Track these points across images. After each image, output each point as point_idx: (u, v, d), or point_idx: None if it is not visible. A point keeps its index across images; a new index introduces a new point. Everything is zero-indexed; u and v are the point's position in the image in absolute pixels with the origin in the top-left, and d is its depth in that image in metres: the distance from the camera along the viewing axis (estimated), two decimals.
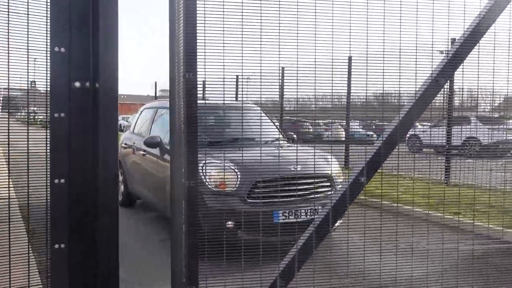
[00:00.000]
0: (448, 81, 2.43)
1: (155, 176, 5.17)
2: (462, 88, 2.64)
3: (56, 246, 1.85)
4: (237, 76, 2.32)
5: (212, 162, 4.22)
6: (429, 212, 2.86)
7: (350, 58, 2.28)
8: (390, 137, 2.20)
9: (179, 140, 1.91)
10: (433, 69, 2.23)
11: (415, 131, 17.20)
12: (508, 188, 2.44)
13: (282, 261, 2.11)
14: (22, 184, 1.83)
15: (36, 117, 2.07)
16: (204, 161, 4.24)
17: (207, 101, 2.40)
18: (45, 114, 1.90)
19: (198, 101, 1.94)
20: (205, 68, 1.88)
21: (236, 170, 4.07)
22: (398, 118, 2.20)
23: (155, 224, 5.48)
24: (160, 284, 3.57)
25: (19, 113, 2.12)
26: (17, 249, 1.87)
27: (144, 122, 6.18)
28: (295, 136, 5.93)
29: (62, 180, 1.83)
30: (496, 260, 2.66)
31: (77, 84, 1.84)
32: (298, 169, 4.26)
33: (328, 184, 4.42)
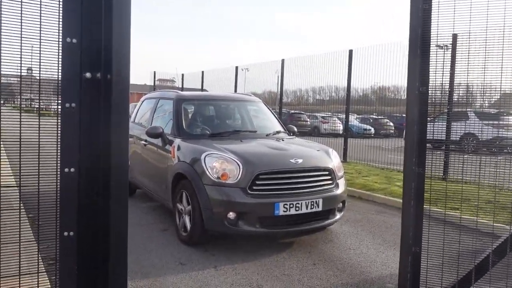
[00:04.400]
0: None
1: (156, 166, 5.19)
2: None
3: (66, 233, 1.88)
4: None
5: (215, 153, 4.24)
6: None
7: None
8: None
9: (412, 139, 2.50)
10: None
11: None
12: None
13: (496, 240, 2.55)
14: (31, 173, 1.85)
15: (39, 106, 2.07)
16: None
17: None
18: (54, 104, 1.92)
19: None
20: (435, 84, 2.44)
21: (238, 162, 4.09)
22: None
23: (156, 214, 5.51)
24: (162, 273, 3.61)
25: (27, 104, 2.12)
26: (25, 236, 1.90)
27: (145, 112, 6.18)
28: (295, 128, 5.95)
29: (72, 169, 1.85)
30: None
31: (88, 74, 1.85)
32: (300, 162, 4.30)
33: (329, 177, 4.46)
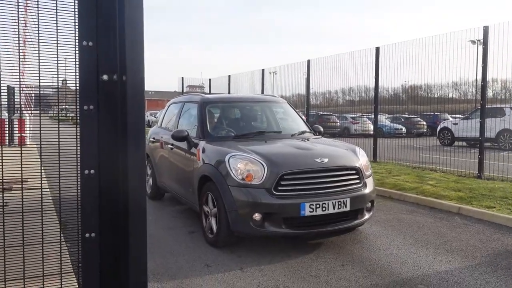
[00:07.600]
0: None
1: (183, 169, 5.23)
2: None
3: (87, 235, 1.90)
4: None
5: (239, 155, 4.23)
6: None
7: None
8: None
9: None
10: None
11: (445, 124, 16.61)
12: None
13: None
14: (54, 176, 1.89)
15: (67, 114, 2.13)
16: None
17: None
18: (75, 109, 1.94)
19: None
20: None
21: (263, 162, 4.06)
22: None
23: (183, 216, 5.55)
24: (188, 275, 3.61)
25: (50, 111, 2.20)
26: (50, 238, 1.93)
27: (171, 117, 6.25)
28: (321, 128, 5.87)
29: (92, 171, 1.87)
30: None
31: (105, 77, 1.87)
32: (325, 161, 4.24)
33: (357, 176, 4.36)
